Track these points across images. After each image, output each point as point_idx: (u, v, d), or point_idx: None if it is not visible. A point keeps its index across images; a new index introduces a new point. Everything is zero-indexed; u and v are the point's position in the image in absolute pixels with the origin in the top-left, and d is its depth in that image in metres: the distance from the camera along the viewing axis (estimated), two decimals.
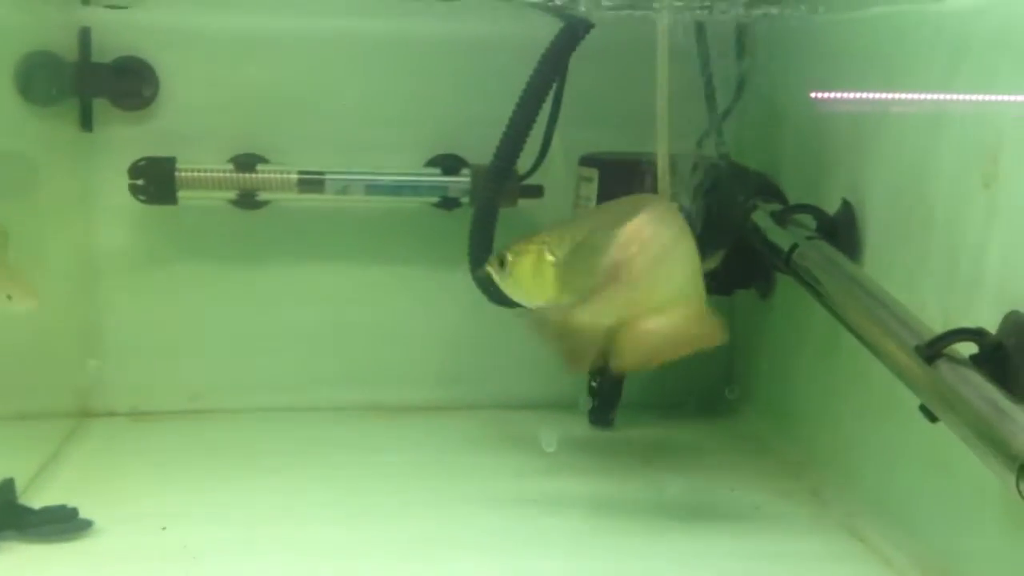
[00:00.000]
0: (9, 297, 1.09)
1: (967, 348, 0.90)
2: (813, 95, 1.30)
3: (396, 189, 1.47)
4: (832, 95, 1.26)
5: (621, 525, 1.16)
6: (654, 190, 1.27)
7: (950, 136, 1.01)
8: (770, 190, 1.31)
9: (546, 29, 1.37)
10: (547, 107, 1.40)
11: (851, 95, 1.23)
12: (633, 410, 1.45)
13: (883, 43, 1.16)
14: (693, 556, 1.09)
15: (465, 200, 1.48)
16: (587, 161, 1.41)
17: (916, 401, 0.93)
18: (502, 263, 1.19)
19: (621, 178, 1.34)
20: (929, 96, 1.07)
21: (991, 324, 0.90)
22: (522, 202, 1.47)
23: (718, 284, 1.36)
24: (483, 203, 1.41)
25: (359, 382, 1.51)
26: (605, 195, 1.38)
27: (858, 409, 1.19)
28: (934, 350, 0.89)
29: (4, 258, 1.12)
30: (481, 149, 1.42)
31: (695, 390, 1.50)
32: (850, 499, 1.19)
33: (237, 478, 1.26)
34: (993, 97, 0.96)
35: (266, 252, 1.49)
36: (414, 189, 1.48)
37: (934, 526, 1.03)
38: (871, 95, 1.18)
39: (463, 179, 1.48)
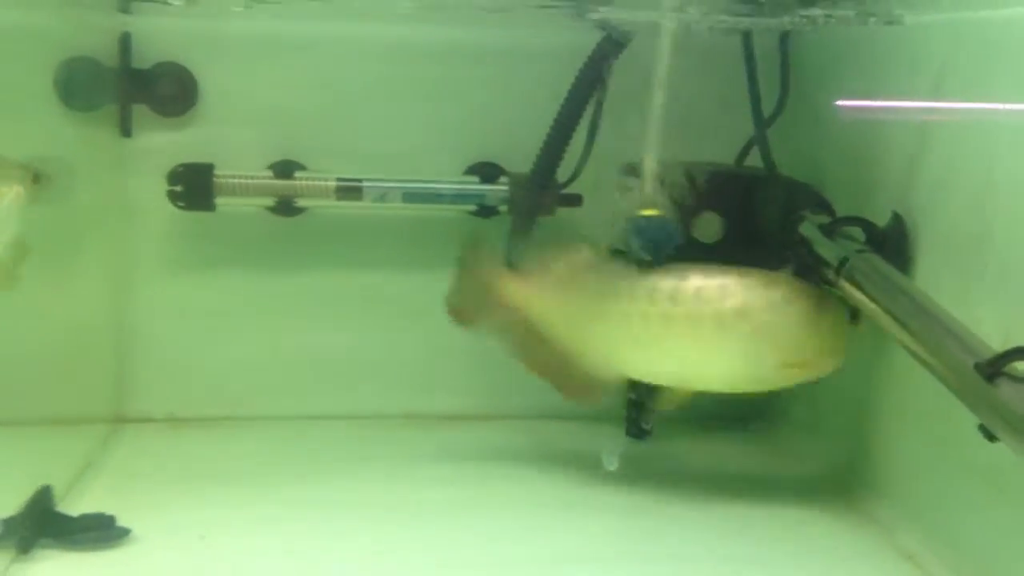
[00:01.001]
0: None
1: None
2: (860, 103, 1.28)
3: (434, 197, 1.46)
4: (880, 103, 1.24)
5: (658, 542, 1.15)
6: (695, 199, 1.26)
7: (1008, 146, 0.99)
8: (817, 202, 1.29)
9: (587, 38, 1.36)
10: (588, 116, 1.39)
11: (900, 103, 1.21)
12: (672, 424, 1.43)
13: (935, 51, 1.14)
14: (736, 572, 1.07)
15: (503, 208, 1.47)
16: (629, 170, 1.40)
17: (968, 420, 0.91)
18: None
19: (659, 187, 1.33)
20: (985, 105, 1.05)
21: None
22: (561, 210, 1.46)
23: None
24: (522, 211, 1.40)
25: (398, 390, 1.50)
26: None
27: (907, 427, 1.17)
28: (995, 368, 0.87)
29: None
30: (519, 157, 1.41)
31: (738, 404, 1.48)
32: (898, 517, 1.17)
33: (275, 486, 1.25)
34: None
35: (304, 259, 1.48)
36: (452, 197, 1.47)
37: (984, 546, 1.01)
38: (921, 103, 1.16)
39: (501, 187, 1.46)
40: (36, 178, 1.04)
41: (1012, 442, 0.84)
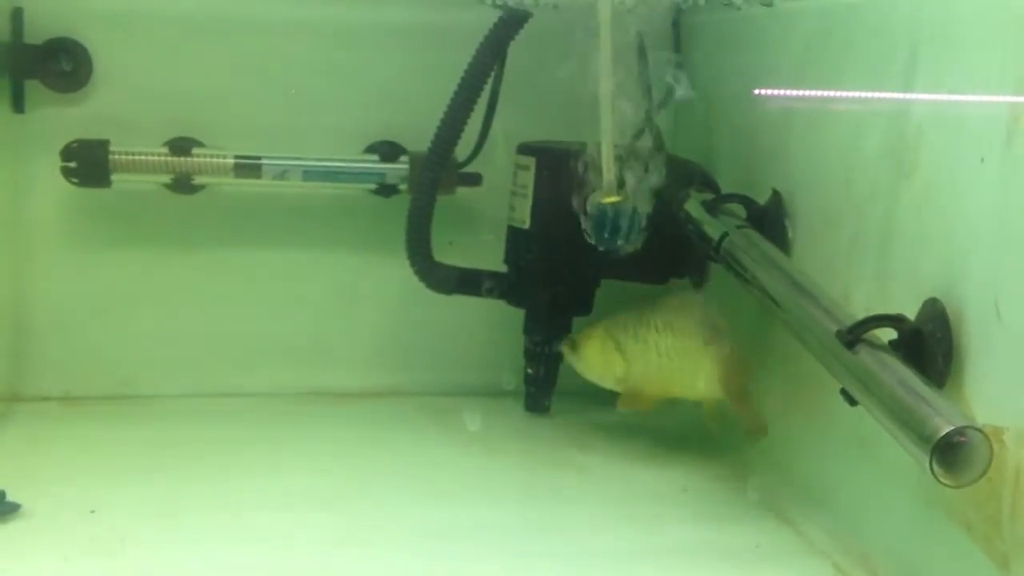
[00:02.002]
0: None
1: (888, 335, 0.92)
2: (745, 87, 1.32)
3: (334, 175, 1.47)
4: (764, 88, 1.28)
5: (551, 510, 1.18)
6: (589, 179, 1.29)
7: (873, 127, 1.04)
8: (703, 180, 1.33)
9: (486, 17, 1.38)
10: (485, 95, 1.41)
11: (782, 87, 1.25)
12: (568, 397, 1.46)
13: (813, 36, 1.18)
14: (617, 538, 1.11)
15: (403, 187, 1.48)
16: (524, 149, 1.43)
17: (835, 385, 0.95)
18: (573, 345, 1.34)
19: (558, 167, 1.36)
20: (854, 92, 1.09)
21: (912, 312, 0.93)
22: (460, 190, 1.48)
23: (652, 273, 1.39)
24: (421, 190, 1.41)
25: (295, 368, 1.51)
26: (542, 183, 1.39)
27: (783, 394, 1.21)
28: (854, 335, 0.91)
29: None
30: (420, 136, 1.43)
31: None
32: (775, 482, 1.21)
33: (168, 463, 1.24)
34: (913, 96, 0.98)
35: (201, 237, 1.47)
36: (352, 175, 1.48)
37: (855, 507, 1.06)
38: (801, 87, 1.21)
39: (401, 166, 1.48)
40: None
41: (869, 405, 0.89)
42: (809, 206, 1.16)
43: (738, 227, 1.17)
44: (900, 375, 0.86)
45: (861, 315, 0.95)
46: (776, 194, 1.20)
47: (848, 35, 1.10)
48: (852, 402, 0.92)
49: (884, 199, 1.01)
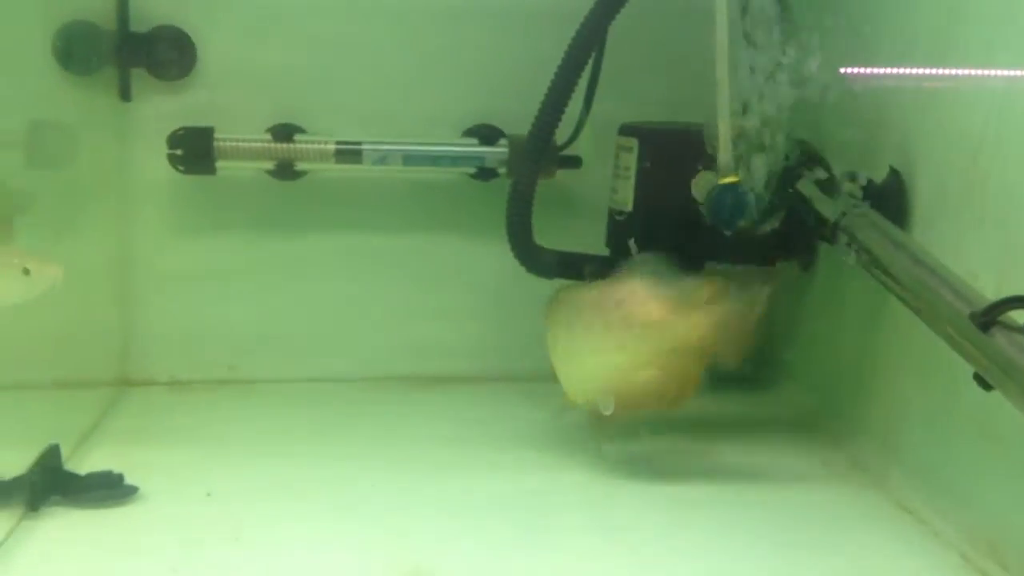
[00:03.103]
0: (27, 272, 1.02)
1: (1021, 316, 0.89)
2: (858, 61, 1.28)
3: (433, 159, 1.46)
4: (881, 62, 1.24)
5: (656, 492, 1.16)
6: (701, 159, 1.26)
7: (1002, 99, 1.00)
8: (815, 158, 1.30)
9: None
10: (586, 76, 1.39)
11: (901, 62, 1.21)
12: None
13: (936, 9, 1.14)
14: (733, 527, 1.09)
15: (502, 171, 1.47)
16: (627, 131, 1.40)
17: (964, 370, 0.92)
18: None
19: (662, 148, 1.33)
20: (980, 68, 1.05)
21: None
22: (561, 173, 1.47)
23: (758, 255, 1.36)
24: (521, 174, 1.40)
25: (397, 352, 1.51)
26: (645, 164, 1.37)
27: (902, 379, 1.18)
28: (989, 317, 0.88)
29: (9, 232, 1.08)
30: (519, 119, 1.41)
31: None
32: (894, 470, 1.18)
33: (276, 446, 1.26)
34: None
35: (303, 222, 1.48)
36: (451, 159, 1.47)
37: (982, 497, 1.02)
38: (920, 60, 1.17)
39: (500, 149, 1.47)
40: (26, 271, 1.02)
41: (1007, 391, 0.86)
42: (931, 184, 1.12)
43: (855, 206, 1.13)
44: None
45: (991, 297, 0.91)
46: (894, 172, 1.16)
47: (976, 9, 1.06)
48: (987, 387, 0.89)
49: (1013, 176, 0.97)
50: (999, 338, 0.86)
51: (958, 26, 1.09)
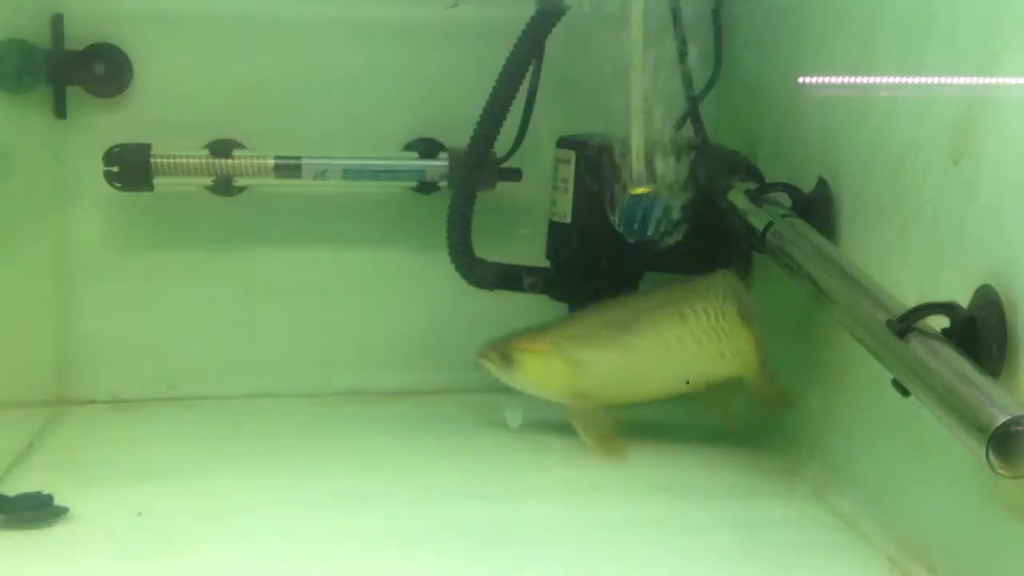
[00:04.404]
0: None
1: (940, 323, 0.90)
2: (788, 73, 1.30)
3: (373, 173, 1.46)
4: (808, 75, 1.26)
5: (600, 501, 1.17)
6: (630, 172, 1.27)
7: (921, 114, 1.01)
8: (747, 169, 1.31)
9: (523, 12, 1.37)
10: (524, 90, 1.40)
11: (826, 75, 1.23)
12: None
13: (856, 22, 1.15)
14: (663, 535, 1.09)
15: (443, 184, 1.48)
16: (565, 143, 1.41)
17: (888, 377, 0.93)
18: (506, 360, 1.29)
19: (598, 160, 1.34)
20: (901, 79, 1.07)
21: (965, 299, 0.90)
22: (501, 185, 1.47)
23: (695, 264, 1.37)
24: (461, 187, 1.40)
25: (339, 367, 1.51)
26: (582, 177, 1.38)
27: (833, 387, 1.19)
28: (905, 324, 0.89)
29: None
30: (458, 133, 1.42)
31: None
32: (826, 476, 1.19)
33: (215, 465, 1.25)
34: (961, 79, 0.95)
35: (243, 238, 1.48)
36: (392, 173, 1.47)
37: (909, 500, 1.03)
38: (845, 72, 1.18)
39: (441, 163, 1.47)
40: None
41: (922, 395, 0.87)
42: (856, 195, 1.13)
43: (783, 216, 1.14)
44: (954, 364, 0.84)
45: (912, 304, 0.92)
46: (822, 182, 1.18)
47: (894, 20, 1.07)
48: (905, 392, 0.90)
49: (934, 186, 0.99)
50: (915, 344, 0.88)
51: (881, 37, 1.10)
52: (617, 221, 1.25)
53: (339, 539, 1.07)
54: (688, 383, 1.28)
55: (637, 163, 1.23)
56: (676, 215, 1.22)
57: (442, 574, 1.01)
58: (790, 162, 1.28)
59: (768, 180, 1.29)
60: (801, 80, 1.27)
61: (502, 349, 1.30)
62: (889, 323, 0.90)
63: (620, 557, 1.04)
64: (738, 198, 1.22)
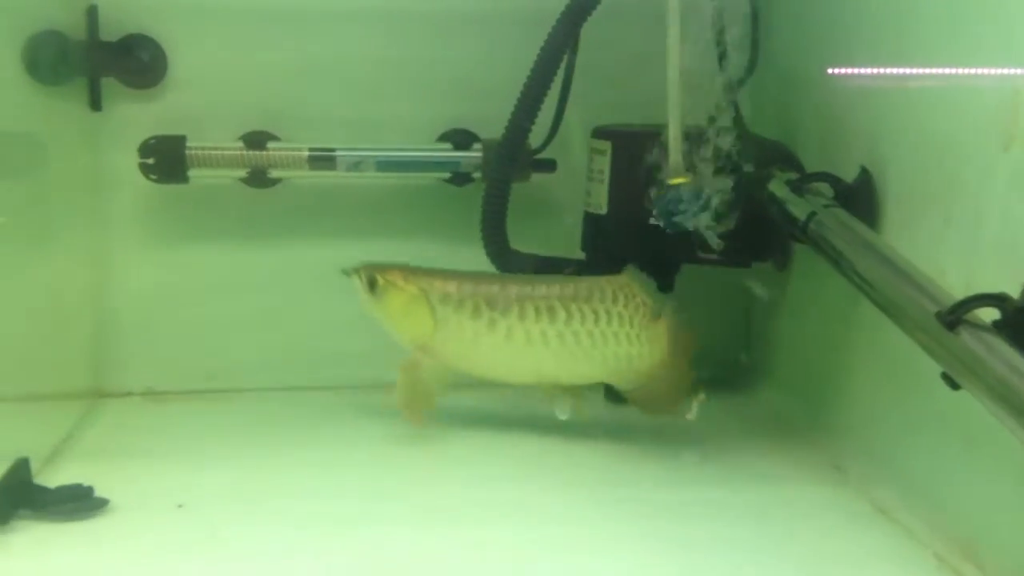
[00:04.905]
0: None
1: (989, 314, 0.88)
2: (828, 62, 1.28)
3: (407, 165, 1.46)
4: (850, 62, 1.24)
5: (635, 497, 1.16)
6: (663, 162, 1.26)
7: (969, 100, 1.00)
8: (787, 159, 1.29)
9: (558, 0, 1.36)
10: (559, 79, 1.39)
11: (869, 62, 1.21)
12: None
13: (899, 5, 1.14)
14: (712, 528, 1.08)
15: (477, 175, 1.47)
16: (600, 134, 1.40)
17: (936, 370, 0.91)
18: (372, 284, 1.27)
19: (635, 151, 1.33)
20: (946, 67, 1.05)
21: (1014, 290, 0.88)
22: (535, 176, 1.46)
23: (734, 256, 1.36)
24: (495, 178, 1.40)
25: (375, 360, 1.48)
26: (619, 168, 1.37)
27: (877, 379, 1.17)
28: (955, 316, 0.87)
29: None
30: (493, 123, 1.41)
31: (711, 364, 1.49)
32: (871, 471, 1.17)
33: (253, 456, 1.25)
34: (1010, 70, 0.94)
35: (278, 230, 1.48)
36: (426, 165, 1.47)
37: (956, 496, 1.02)
38: (888, 61, 1.16)
39: (475, 154, 1.46)
40: None
41: (974, 389, 0.85)
42: (900, 184, 1.11)
43: (826, 206, 1.13)
44: (1006, 357, 0.83)
45: (960, 296, 0.91)
46: (865, 172, 1.16)
47: (939, 4, 1.05)
48: (955, 386, 0.88)
49: (981, 173, 0.97)
50: (965, 336, 0.86)
51: (926, 20, 1.08)
52: (655, 212, 1.24)
53: (380, 529, 1.07)
54: (548, 377, 1.27)
55: (674, 153, 1.22)
56: (715, 205, 1.20)
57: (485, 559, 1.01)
58: (830, 151, 1.26)
59: (807, 169, 1.27)
60: (842, 67, 1.26)
61: (373, 272, 1.27)
62: (939, 315, 0.88)
63: (678, 539, 1.05)
64: (779, 188, 1.21)
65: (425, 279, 1.27)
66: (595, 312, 1.24)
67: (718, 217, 1.19)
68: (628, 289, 1.25)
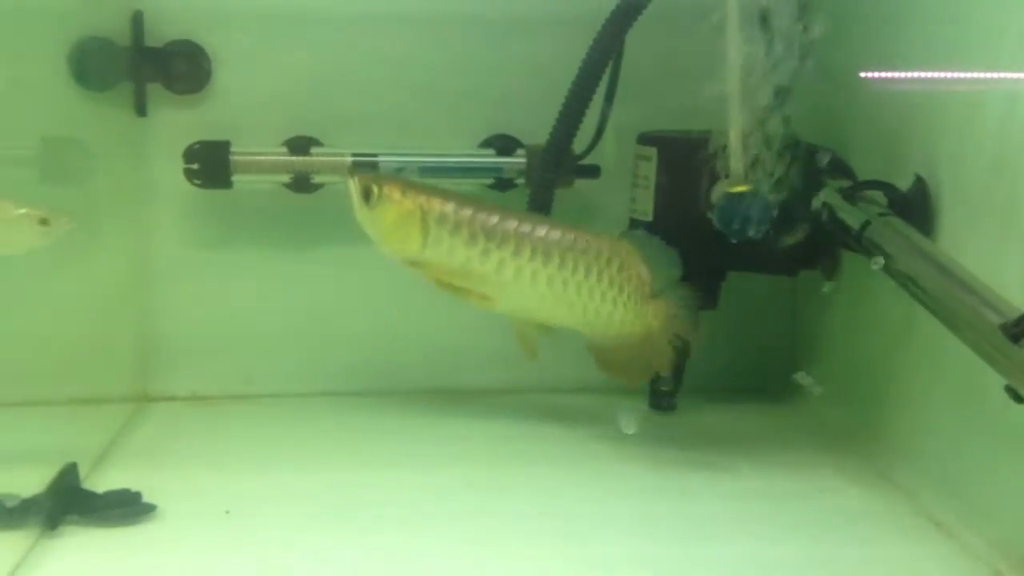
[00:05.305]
0: (44, 222, 1.03)
1: None
2: (882, 67, 1.26)
3: (450, 170, 1.45)
4: (903, 68, 1.22)
5: (684, 510, 1.15)
6: (715, 168, 1.25)
7: None
8: (838, 167, 1.28)
9: (603, 5, 1.35)
10: (603, 85, 1.38)
11: (923, 68, 1.19)
12: (694, 394, 1.42)
13: (953, 10, 1.12)
14: (759, 540, 1.07)
15: (520, 181, 1.46)
16: (646, 140, 1.39)
17: (994, 381, 0.90)
18: (367, 193, 1.21)
19: (680, 157, 1.32)
20: (1006, 71, 1.03)
21: None
22: (579, 182, 1.45)
23: (781, 265, 1.35)
24: (539, 184, 1.39)
25: (416, 365, 1.50)
26: (664, 174, 1.35)
27: (930, 389, 1.16)
28: (1020, 328, 0.86)
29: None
30: (536, 129, 1.40)
31: (758, 374, 1.48)
32: (923, 483, 1.16)
33: (296, 461, 1.25)
34: None
35: (320, 235, 1.47)
36: (469, 170, 1.46)
37: (1015, 510, 1.00)
38: (944, 64, 1.15)
39: (518, 160, 1.46)
40: (43, 221, 1.05)
41: None
42: (956, 192, 1.10)
43: (880, 215, 1.11)
44: None
45: (1021, 307, 0.89)
46: (919, 180, 1.14)
47: (999, 7, 1.04)
48: (1019, 399, 0.87)
49: None
50: None
51: (984, 26, 1.07)
52: (716, 220, 1.22)
53: (427, 535, 1.06)
54: (525, 314, 1.25)
55: (735, 161, 1.20)
56: (773, 214, 1.18)
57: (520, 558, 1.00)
58: (882, 158, 1.24)
59: (859, 177, 1.26)
60: (895, 72, 1.24)
61: (370, 182, 1.23)
62: (1003, 327, 0.87)
63: (722, 556, 1.04)
64: (831, 196, 1.19)
65: (424, 196, 1.23)
66: (587, 266, 1.22)
67: (784, 226, 1.18)
68: (628, 257, 1.23)
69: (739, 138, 1.17)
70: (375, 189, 1.22)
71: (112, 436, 1.31)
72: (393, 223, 1.23)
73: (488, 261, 1.22)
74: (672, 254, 1.24)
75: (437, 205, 1.22)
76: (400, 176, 1.26)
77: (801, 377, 1.31)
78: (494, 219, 1.22)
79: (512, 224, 1.22)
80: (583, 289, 1.22)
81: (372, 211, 1.22)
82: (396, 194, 1.22)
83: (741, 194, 1.18)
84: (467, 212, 1.22)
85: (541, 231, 1.23)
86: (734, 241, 1.20)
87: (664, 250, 1.24)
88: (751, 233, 1.19)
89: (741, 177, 1.18)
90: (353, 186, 1.23)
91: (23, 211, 1.04)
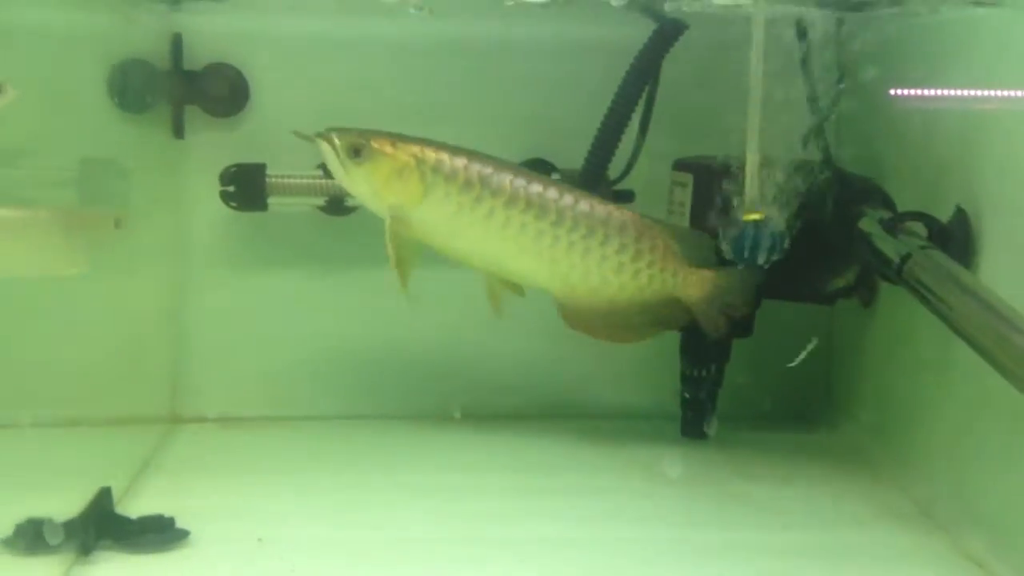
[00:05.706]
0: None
1: None
2: (922, 96, 1.25)
3: None
4: (945, 96, 1.21)
5: (716, 539, 1.13)
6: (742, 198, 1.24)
7: None
8: (877, 196, 1.27)
9: (640, 30, 1.35)
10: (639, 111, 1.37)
11: (963, 94, 1.18)
12: (727, 421, 1.41)
13: (989, 38, 1.11)
14: (794, 572, 1.06)
15: None
16: (681, 166, 1.38)
17: None
18: (357, 151, 1.16)
19: (716, 183, 1.31)
20: None
21: None
22: None
23: (816, 293, 1.33)
24: None
25: (451, 389, 1.50)
26: (700, 200, 1.35)
27: (967, 421, 1.14)
28: None
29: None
30: (571, 154, 1.40)
31: (794, 401, 1.47)
32: (959, 516, 1.14)
33: (330, 485, 1.25)
34: None
35: (354, 258, 1.47)
36: None
37: None
38: (984, 93, 1.13)
39: None
40: (117, 223, 1.06)
41: None
42: (999, 225, 1.08)
43: (922, 248, 1.10)
44: None
45: None
46: (961, 211, 1.13)
47: None
48: None
49: None
50: None
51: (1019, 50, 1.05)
52: (728, 248, 1.22)
53: (464, 560, 1.06)
54: (506, 271, 1.24)
55: (751, 188, 1.20)
56: (783, 242, 1.18)
57: None
58: (921, 188, 1.23)
59: (898, 207, 1.24)
60: (934, 99, 1.23)
61: (354, 140, 1.16)
62: None
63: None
64: (871, 226, 1.18)
65: (415, 146, 1.19)
66: (590, 228, 1.21)
67: (835, 267, 1.17)
68: (649, 228, 1.22)
69: (755, 165, 1.16)
70: (366, 144, 1.16)
71: (145, 457, 1.31)
72: (387, 176, 1.17)
73: (480, 208, 1.18)
74: (703, 235, 1.25)
75: (431, 153, 1.19)
76: (378, 129, 1.20)
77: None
78: (488, 169, 1.19)
79: (506, 176, 1.20)
80: (576, 247, 1.20)
81: (362, 167, 1.17)
82: (388, 147, 1.17)
83: (754, 222, 1.18)
84: (460, 159, 1.19)
85: (536, 187, 1.20)
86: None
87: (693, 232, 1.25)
88: (760, 261, 1.19)
89: (755, 205, 1.17)
90: (332, 146, 1.17)
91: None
